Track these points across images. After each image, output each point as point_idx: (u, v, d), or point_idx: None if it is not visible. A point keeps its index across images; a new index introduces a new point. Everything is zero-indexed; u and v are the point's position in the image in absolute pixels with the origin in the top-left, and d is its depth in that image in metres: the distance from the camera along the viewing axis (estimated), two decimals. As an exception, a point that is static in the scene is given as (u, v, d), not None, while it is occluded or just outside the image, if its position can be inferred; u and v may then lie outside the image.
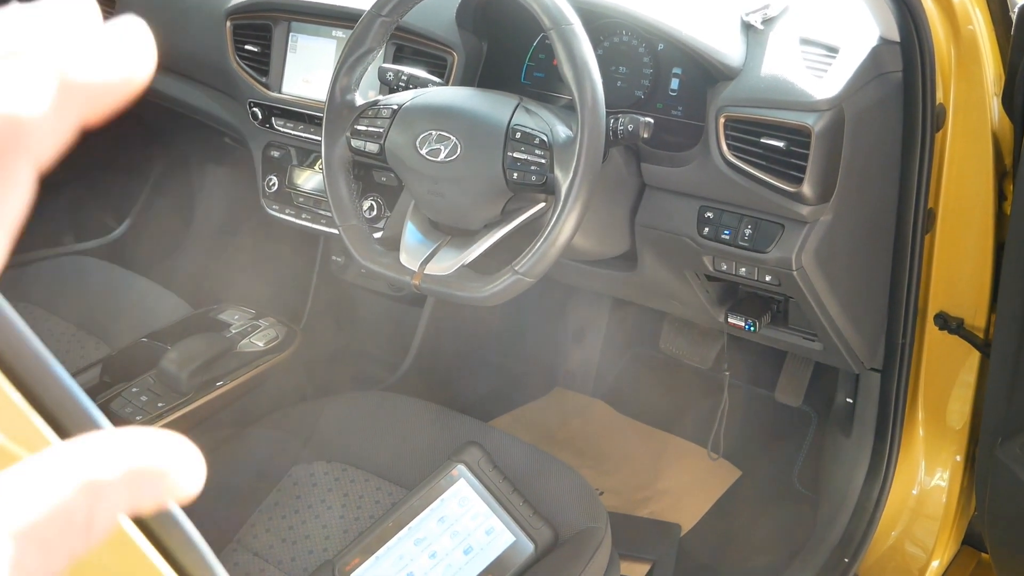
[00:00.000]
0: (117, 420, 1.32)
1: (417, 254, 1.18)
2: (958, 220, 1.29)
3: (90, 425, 0.35)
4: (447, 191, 1.16)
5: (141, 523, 0.37)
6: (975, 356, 1.36)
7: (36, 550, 0.21)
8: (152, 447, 0.24)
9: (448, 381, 1.94)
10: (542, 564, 1.16)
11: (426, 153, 1.15)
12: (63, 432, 0.34)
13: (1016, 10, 1.15)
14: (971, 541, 1.54)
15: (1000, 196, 1.28)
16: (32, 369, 0.32)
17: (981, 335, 1.33)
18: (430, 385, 1.84)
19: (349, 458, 1.31)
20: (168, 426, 1.34)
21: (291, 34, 1.60)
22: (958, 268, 1.32)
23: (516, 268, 1.09)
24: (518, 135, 1.11)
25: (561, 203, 1.06)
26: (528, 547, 1.16)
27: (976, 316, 1.32)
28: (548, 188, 1.10)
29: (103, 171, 2.12)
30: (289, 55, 1.61)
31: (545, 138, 1.10)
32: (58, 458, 0.23)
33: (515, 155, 1.10)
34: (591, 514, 1.21)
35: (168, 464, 0.24)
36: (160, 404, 1.36)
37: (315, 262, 1.97)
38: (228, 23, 1.66)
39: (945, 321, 1.33)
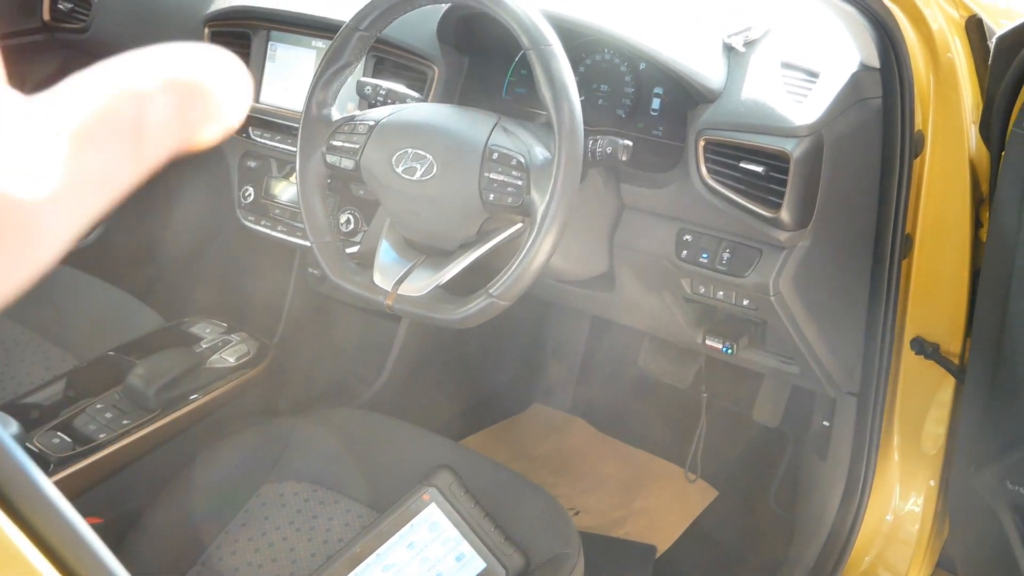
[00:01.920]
0: (80, 438, 1.29)
1: (391, 273, 1.17)
2: (935, 246, 1.29)
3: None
4: (422, 210, 1.14)
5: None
6: (951, 381, 1.36)
7: (89, 150, 0.22)
8: (198, 63, 0.25)
9: (425, 396, 1.93)
10: (513, 590, 1.15)
11: (402, 171, 1.14)
12: None
13: (994, 39, 1.15)
14: (945, 564, 1.54)
15: (977, 223, 1.28)
16: None
17: (957, 360, 1.32)
18: (406, 401, 1.82)
19: (320, 478, 1.29)
20: (134, 445, 1.32)
21: (270, 43, 1.58)
22: (935, 294, 1.32)
23: (490, 291, 1.07)
24: (495, 155, 1.09)
25: (537, 226, 1.04)
26: (499, 573, 1.14)
27: (952, 342, 1.32)
28: (524, 210, 1.09)
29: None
30: (268, 64, 1.59)
31: (522, 159, 1.08)
32: (103, 70, 0.23)
33: (492, 176, 1.09)
34: (564, 539, 1.19)
35: (213, 81, 0.24)
36: (126, 421, 1.33)
37: (291, 274, 1.95)
38: (206, 30, 1.64)
39: (921, 346, 1.33)
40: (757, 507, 1.75)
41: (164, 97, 0.24)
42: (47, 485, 0.35)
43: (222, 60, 0.25)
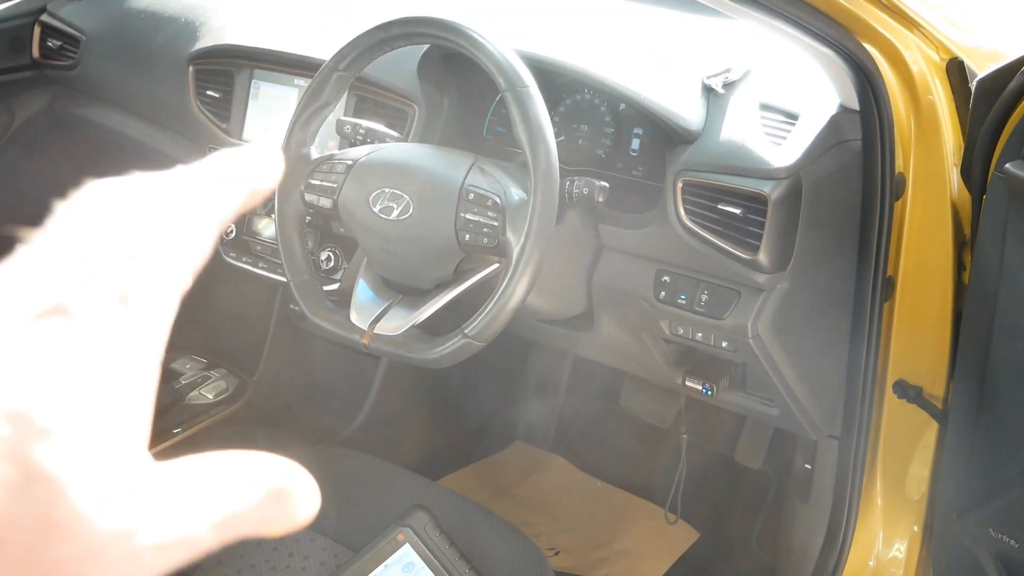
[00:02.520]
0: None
1: (367, 312, 1.16)
2: (918, 289, 1.28)
3: None
4: (399, 249, 1.14)
5: None
6: (934, 426, 1.35)
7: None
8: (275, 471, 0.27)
9: (405, 434, 1.91)
10: (487, 635, 1.13)
11: (379, 210, 1.13)
12: None
13: (975, 82, 1.15)
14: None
15: (960, 266, 1.27)
16: None
17: (940, 404, 1.31)
18: (386, 438, 1.81)
19: None
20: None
21: (253, 81, 1.59)
22: (918, 337, 1.31)
23: (466, 331, 1.07)
24: (471, 196, 1.09)
25: (512, 267, 1.04)
26: (473, 617, 1.13)
27: (935, 385, 1.31)
28: (500, 250, 1.08)
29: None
30: (251, 102, 1.59)
31: (498, 200, 1.08)
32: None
33: (468, 216, 1.09)
34: (539, 582, 1.18)
35: (289, 486, 0.27)
36: (101, 458, 1.31)
37: (272, 310, 1.94)
38: (191, 68, 1.65)
39: (904, 390, 1.32)
40: (739, 549, 1.73)
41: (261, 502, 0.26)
42: None
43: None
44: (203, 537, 0.25)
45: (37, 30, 1.98)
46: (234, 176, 0.29)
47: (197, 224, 0.28)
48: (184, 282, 0.27)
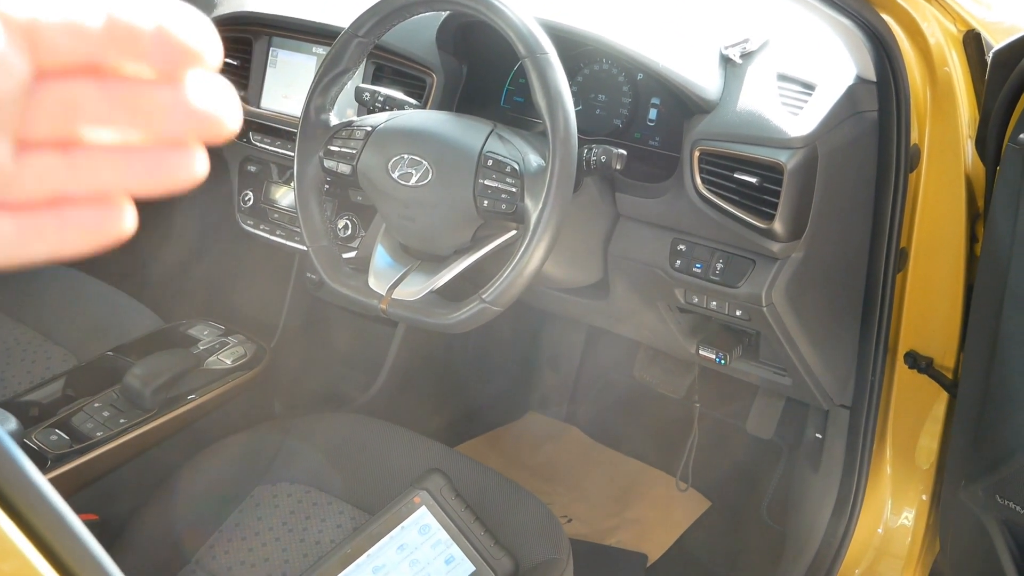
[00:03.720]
0: (78, 435, 1.30)
1: (386, 278, 1.17)
2: (930, 260, 1.29)
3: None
4: (418, 215, 1.15)
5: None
6: (944, 396, 1.36)
7: None
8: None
9: (420, 402, 1.93)
10: (502, 595, 1.15)
11: (398, 176, 1.15)
12: None
13: (991, 54, 1.15)
14: (936, 579, 1.54)
15: (972, 238, 1.28)
16: None
17: (950, 375, 1.33)
18: (402, 406, 1.83)
19: (313, 480, 1.29)
20: (130, 443, 1.32)
21: (271, 49, 1.60)
22: (929, 308, 1.32)
23: (483, 296, 1.08)
24: (490, 162, 1.10)
25: (530, 233, 1.05)
26: (488, 577, 1.15)
27: (946, 356, 1.32)
28: (518, 216, 1.09)
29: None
30: (269, 70, 1.60)
31: (516, 166, 1.09)
32: None
33: (486, 182, 1.10)
34: (553, 544, 1.20)
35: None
36: (122, 420, 1.33)
37: (289, 278, 1.96)
38: (209, 36, 1.65)
39: (915, 360, 1.33)
40: (749, 519, 1.75)
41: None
42: (42, 482, 0.36)
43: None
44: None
45: None
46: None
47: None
48: None
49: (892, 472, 1.42)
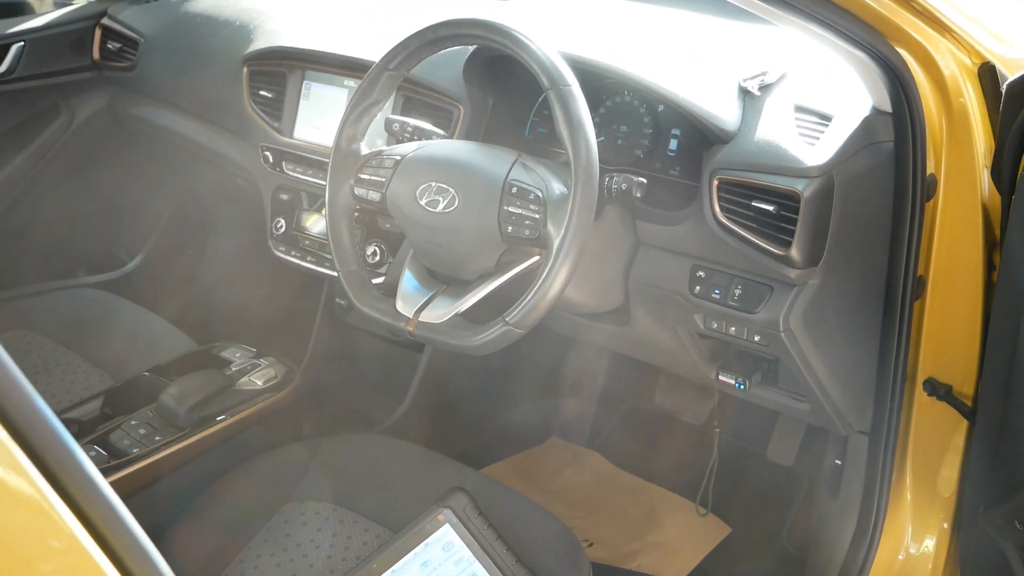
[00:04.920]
0: (115, 452, 1.35)
1: (413, 301, 1.21)
2: (948, 288, 1.31)
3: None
4: (444, 241, 1.19)
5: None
6: (964, 424, 1.37)
7: None
8: None
9: (444, 426, 1.96)
10: (523, 613, 1.17)
11: (425, 204, 1.19)
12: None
13: (1005, 85, 1.18)
14: (959, 609, 1.53)
15: (990, 266, 1.29)
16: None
17: (970, 403, 1.33)
18: (426, 430, 1.86)
19: (340, 499, 1.32)
20: (164, 460, 1.37)
21: (305, 82, 1.65)
22: (948, 336, 1.33)
23: (507, 319, 1.11)
24: (514, 190, 1.14)
25: (552, 257, 1.08)
26: (509, 595, 1.17)
27: (965, 384, 1.33)
28: (541, 242, 1.13)
29: (118, 206, 2.17)
30: (302, 102, 1.65)
31: (540, 193, 1.13)
32: None
33: (510, 209, 1.13)
34: (573, 564, 1.21)
35: None
36: (157, 437, 1.38)
37: (319, 304, 2.00)
38: (245, 69, 1.71)
39: (934, 387, 1.34)
40: (770, 545, 1.76)
41: None
42: (108, 489, 0.38)
43: None
44: None
45: (98, 33, 2.07)
46: None
47: None
48: None
49: (912, 499, 1.43)
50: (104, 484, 0.37)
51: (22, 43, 1.96)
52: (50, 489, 0.33)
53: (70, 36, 2.05)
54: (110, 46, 2.05)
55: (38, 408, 0.35)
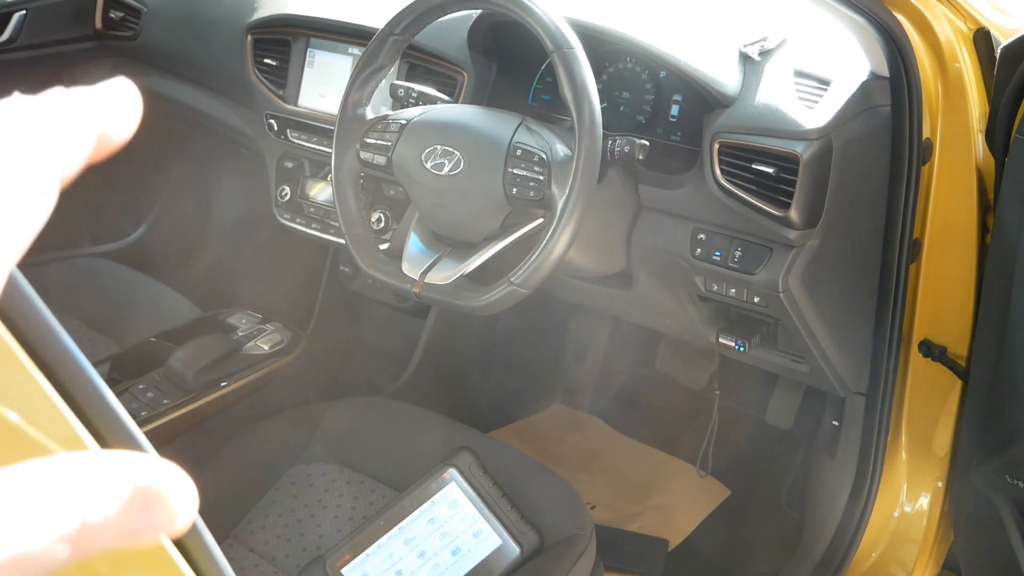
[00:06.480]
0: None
1: (418, 264, 1.23)
2: (943, 251, 1.33)
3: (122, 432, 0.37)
4: (449, 204, 1.21)
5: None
6: (959, 384, 1.40)
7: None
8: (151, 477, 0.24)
9: (449, 392, 1.99)
10: (527, 568, 1.20)
11: (431, 167, 1.21)
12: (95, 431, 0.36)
13: (999, 49, 1.19)
14: (952, 566, 1.57)
15: (984, 229, 1.32)
16: (72, 374, 0.35)
17: (964, 363, 1.36)
18: (430, 395, 1.88)
19: (346, 460, 1.35)
20: (172, 423, 1.39)
21: (309, 49, 1.66)
22: (943, 297, 1.36)
23: (511, 279, 1.14)
24: (519, 152, 1.16)
25: (556, 218, 1.10)
26: (514, 551, 1.20)
27: (959, 345, 1.36)
28: (545, 204, 1.15)
29: (122, 177, 2.18)
30: (306, 70, 1.67)
31: (544, 156, 1.15)
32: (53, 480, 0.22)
33: (515, 171, 1.15)
34: (577, 522, 1.24)
35: (159, 486, 0.24)
36: (165, 401, 1.40)
37: (323, 271, 2.02)
38: (249, 37, 1.72)
39: (929, 349, 1.37)
40: (769, 506, 1.79)
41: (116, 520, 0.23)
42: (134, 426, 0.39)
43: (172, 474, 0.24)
44: (57, 553, 0.21)
45: (100, 2, 2.07)
46: (82, 124, 0.25)
47: (36, 178, 0.24)
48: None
49: (908, 458, 1.46)
50: (137, 430, 0.38)
51: (24, 12, 1.96)
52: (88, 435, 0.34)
53: (72, 5, 2.05)
54: (113, 15, 2.05)
55: (72, 352, 0.35)
